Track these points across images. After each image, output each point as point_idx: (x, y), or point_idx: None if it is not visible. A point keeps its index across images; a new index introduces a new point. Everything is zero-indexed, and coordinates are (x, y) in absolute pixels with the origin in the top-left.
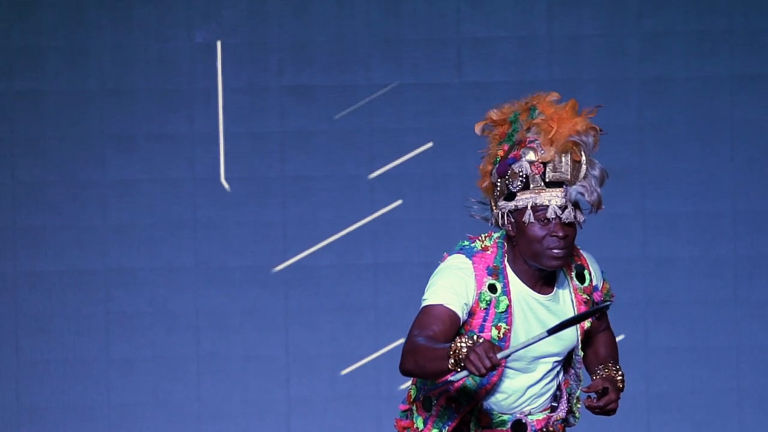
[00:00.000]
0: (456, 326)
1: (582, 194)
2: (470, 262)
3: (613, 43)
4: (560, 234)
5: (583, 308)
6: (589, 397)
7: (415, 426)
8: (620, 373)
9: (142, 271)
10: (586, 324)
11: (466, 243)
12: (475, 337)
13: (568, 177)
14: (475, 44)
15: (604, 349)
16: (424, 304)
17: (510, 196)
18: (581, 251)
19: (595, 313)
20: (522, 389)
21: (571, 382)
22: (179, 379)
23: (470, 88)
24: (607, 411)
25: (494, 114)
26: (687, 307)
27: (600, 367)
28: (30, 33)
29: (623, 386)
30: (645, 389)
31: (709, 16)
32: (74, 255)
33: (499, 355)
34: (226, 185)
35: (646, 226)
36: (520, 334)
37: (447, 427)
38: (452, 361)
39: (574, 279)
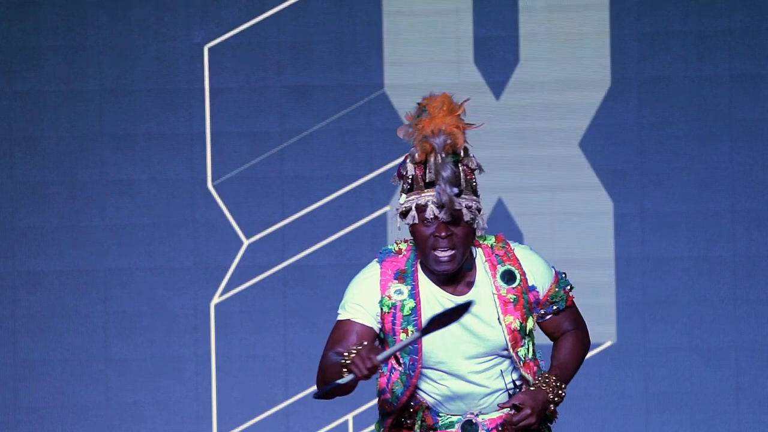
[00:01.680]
0: (370, 337)
1: (439, 196)
2: (379, 267)
3: (612, 42)
4: (442, 234)
5: (510, 308)
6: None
7: (375, 430)
8: (553, 386)
9: (141, 271)
10: (515, 324)
11: (388, 246)
12: (359, 346)
13: (434, 177)
14: (477, 44)
15: (560, 354)
16: (337, 318)
17: (402, 198)
18: (516, 250)
19: (457, 313)
20: (460, 391)
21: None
22: (178, 379)
23: (467, 88)
24: (524, 427)
25: (407, 116)
26: (686, 307)
27: (537, 377)
28: (29, 33)
29: (553, 400)
30: (644, 389)
31: (708, 16)
32: (73, 255)
33: (378, 357)
34: (213, 191)
35: (645, 225)
36: (434, 335)
37: (383, 427)
38: (345, 370)
39: (498, 279)
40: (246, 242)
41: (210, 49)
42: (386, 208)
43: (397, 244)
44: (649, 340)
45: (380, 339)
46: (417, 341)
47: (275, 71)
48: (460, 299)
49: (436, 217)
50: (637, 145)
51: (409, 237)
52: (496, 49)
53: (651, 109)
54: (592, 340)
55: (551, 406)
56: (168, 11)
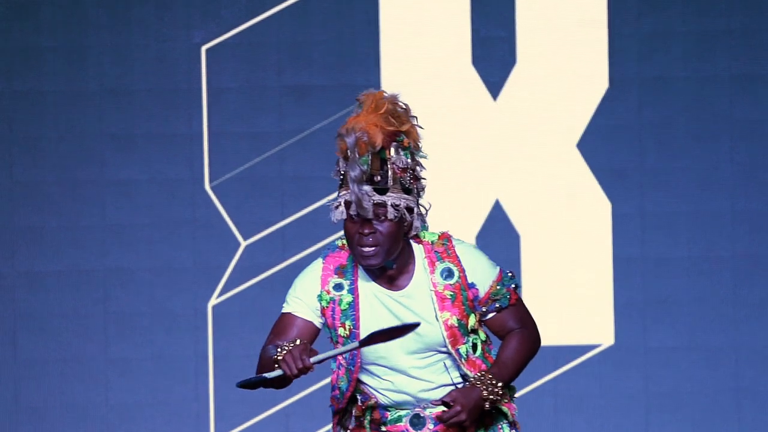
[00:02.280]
0: (310, 332)
1: (350, 194)
2: (322, 262)
3: (610, 42)
4: (365, 231)
5: (447, 305)
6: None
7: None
8: (488, 384)
9: (141, 272)
10: (452, 321)
11: (335, 241)
12: (295, 343)
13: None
14: (475, 44)
15: (504, 353)
16: (281, 310)
17: (335, 194)
18: (457, 248)
19: (400, 332)
20: (403, 386)
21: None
22: (178, 379)
23: (465, 88)
24: (454, 424)
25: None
26: (685, 307)
27: (474, 375)
28: (29, 33)
29: (488, 398)
30: (644, 389)
31: (708, 16)
32: (73, 255)
33: (312, 360)
34: (210, 192)
35: (644, 225)
36: (370, 330)
37: (332, 422)
38: (276, 365)
39: (436, 275)
40: (243, 243)
41: (209, 50)
42: None
43: (342, 239)
44: (649, 341)
45: (330, 333)
46: (355, 351)
47: (274, 71)
48: (396, 294)
49: (358, 214)
50: (636, 146)
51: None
52: (494, 50)
53: (650, 109)
54: (591, 340)
55: (486, 404)
56: (168, 11)
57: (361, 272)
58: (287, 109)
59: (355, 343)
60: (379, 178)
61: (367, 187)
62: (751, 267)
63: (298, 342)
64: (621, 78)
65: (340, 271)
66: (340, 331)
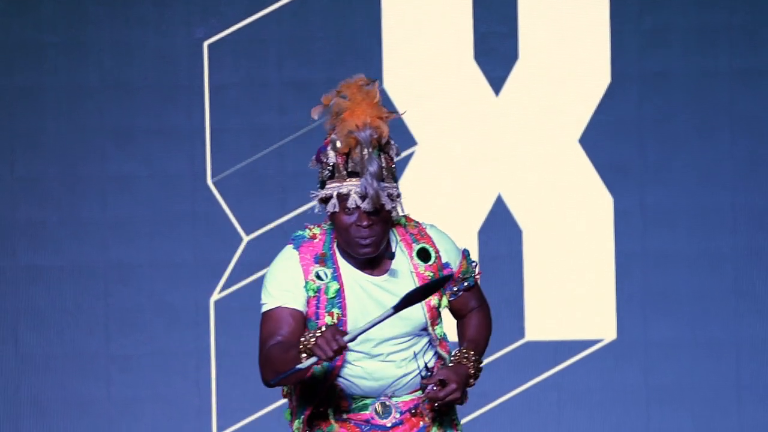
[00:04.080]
0: (302, 321)
1: (364, 188)
2: (297, 252)
3: (612, 38)
4: (364, 224)
5: None
6: (433, 387)
7: (285, 418)
8: (472, 360)
9: (141, 267)
10: (433, 302)
11: (299, 232)
12: (323, 328)
13: (359, 169)
14: (477, 39)
15: (470, 332)
16: (263, 309)
17: (322, 185)
18: (428, 230)
19: (438, 286)
20: (377, 372)
21: (442, 362)
22: (179, 374)
23: (466, 83)
24: (449, 401)
25: (324, 98)
26: (687, 301)
27: (455, 353)
28: (29, 28)
29: (475, 374)
30: (645, 383)
31: (708, 11)
32: (74, 250)
33: (345, 338)
34: (212, 187)
35: (646, 220)
36: (357, 317)
37: (303, 416)
38: (304, 355)
39: (415, 258)
40: (246, 238)
41: (210, 45)
42: None
43: (310, 229)
44: (650, 335)
45: (308, 323)
46: (388, 317)
47: (276, 67)
48: (379, 279)
49: (357, 207)
50: (637, 141)
51: (317, 221)
52: (496, 45)
53: (651, 104)
54: (593, 335)
55: (471, 380)
56: (168, 7)
57: (341, 260)
58: (288, 104)
59: (390, 310)
60: (385, 171)
61: (381, 183)
62: (752, 261)
63: (323, 327)
64: (622, 73)
65: (321, 259)
66: (327, 319)
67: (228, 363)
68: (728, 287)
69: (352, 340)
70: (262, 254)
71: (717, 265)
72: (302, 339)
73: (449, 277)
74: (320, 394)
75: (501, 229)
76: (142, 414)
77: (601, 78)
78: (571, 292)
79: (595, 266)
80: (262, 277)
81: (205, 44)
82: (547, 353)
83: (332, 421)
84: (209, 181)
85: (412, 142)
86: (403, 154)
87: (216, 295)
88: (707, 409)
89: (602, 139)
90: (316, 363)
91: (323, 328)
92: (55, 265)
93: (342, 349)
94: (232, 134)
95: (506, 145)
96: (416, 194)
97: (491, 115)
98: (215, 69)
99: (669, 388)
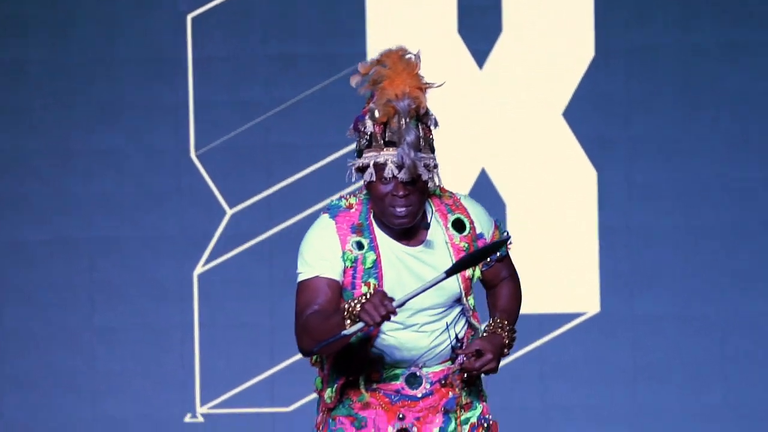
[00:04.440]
0: (339, 291)
1: (401, 158)
2: (333, 222)
3: (596, 11)
4: (400, 193)
5: (463, 255)
6: (467, 358)
7: (315, 387)
8: (507, 330)
9: (126, 240)
10: (468, 272)
11: (335, 201)
12: (369, 293)
13: (396, 139)
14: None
15: (502, 302)
16: (299, 278)
17: (359, 153)
18: (462, 200)
19: (493, 250)
20: (409, 342)
21: (472, 333)
22: (164, 348)
23: (450, 56)
24: (485, 372)
25: (362, 67)
26: (671, 276)
27: (489, 323)
28: (14, 3)
29: (510, 344)
30: (630, 357)
31: None
32: (59, 224)
33: (394, 303)
34: (196, 161)
35: (630, 194)
36: (393, 287)
37: (336, 385)
38: (348, 321)
39: (450, 228)
40: (229, 212)
41: (195, 18)
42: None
43: (346, 199)
44: (635, 310)
45: (343, 293)
46: (439, 282)
47: (260, 40)
48: (415, 250)
49: (394, 176)
50: (622, 115)
51: (351, 190)
52: (480, 18)
53: (636, 78)
54: (577, 308)
55: (506, 350)
56: None
57: (377, 230)
58: (273, 78)
59: (442, 274)
60: (422, 141)
61: (418, 153)
62: (737, 235)
63: (371, 290)
64: (607, 47)
65: (358, 229)
66: (363, 289)
67: (212, 336)
68: (713, 262)
69: (400, 306)
70: (246, 227)
71: (702, 239)
72: (346, 305)
73: (504, 242)
74: (354, 364)
75: (485, 202)
76: (127, 387)
77: (585, 52)
78: (555, 266)
79: (579, 240)
80: (247, 250)
81: (189, 17)
82: (531, 326)
83: (363, 390)
84: (193, 155)
85: None
86: None
87: (200, 269)
88: (692, 383)
89: (586, 113)
90: (362, 329)
91: (368, 293)
92: (39, 239)
93: (390, 314)
94: (216, 108)
95: (490, 119)
96: None
97: (475, 88)
98: (200, 42)
99: (653, 362)
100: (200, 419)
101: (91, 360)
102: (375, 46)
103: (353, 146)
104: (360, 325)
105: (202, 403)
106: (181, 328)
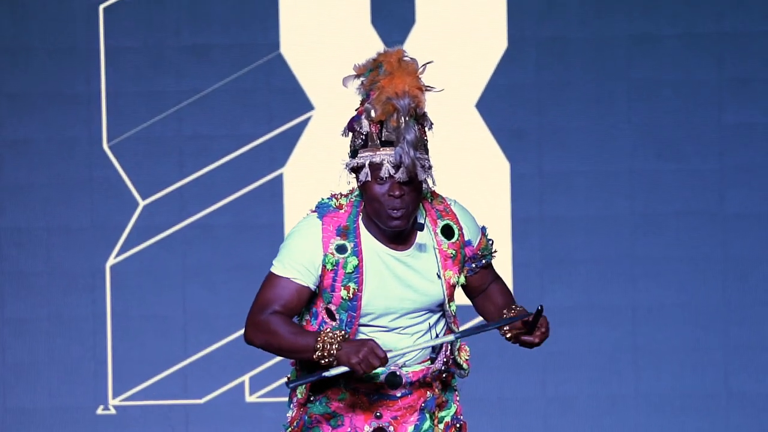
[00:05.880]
0: (305, 298)
1: (399, 157)
2: (320, 222)
3: (509, 2)
4: (396, 193)
5: (449, 263)
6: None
7: (292, 377)
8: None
9: (38, 231)
10: (453, 279)
11: (325, 200)
12: (341, 333)
13: (394, 138)
14: (374, 3)
15: (502, 298)
16: (273, 269)
17: (353, 153)
18: (453, 206)
19: (522, 319)
20: (391, 343)
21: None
22: (75, 339)
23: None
24: (539, 342)
25: (356, 69)
26: (583, 266)
27: (505, 311)
28: None
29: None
30: (541, 348)
31: None
32: None
33: (390, 355)
34: (108, 152)
35: (543, 185)
36: (373, 292)
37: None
38: (318, 354)
39: (439, 234)
40: (141, 203)
41: (107, 8)
42: (284, 169)
43: (337, 199)
44: (547, 300)
45: (323, 294)
46: (446, 342)
47: (173, 31)
48: (402, 254)
49: (390, 176)
50: (534, 106)
51: (342, 191)
52: (393, 9)
53: (548, 69)
54: None
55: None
56: None
57: (364, 233)
58: (185, 68)
59: (451, 336)
60: (419, 142)
61: (417, 152)
62: (648, 225)
63: (342, 334)
64: (519, 38)
65: (343, 232)
66: (342, 293)
67: (124, 328)
68: (625, 251)
69: (395, 358)
70: (159, 219)
71: (613, 229)
72: (319, 340)
73: (536, 321)
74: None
75: None
76: (38, 378)
77: (498, 43)
78: None
79: (492, 231)
80: (160, 242)
81: (101, 7)
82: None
83: (343, 388)
84: (105, 146)
85: (309, 107)
86: (300, 118)
87: (112, 260)
88: (603, 373)
89: (499, 104)
90: (345, 372)
91: (364, 341)
92: None
93: (384, 362)
94: (128, 98)
95: None
96: (313, 159)
97: None
98: (112, 33)
99: (565, 353)
100: (113, 411)
101: (1, 351)
102: (288, 36)
103: (267, 137)
104: (343, 369)
105: (115, 395)
106: (93, 319)
